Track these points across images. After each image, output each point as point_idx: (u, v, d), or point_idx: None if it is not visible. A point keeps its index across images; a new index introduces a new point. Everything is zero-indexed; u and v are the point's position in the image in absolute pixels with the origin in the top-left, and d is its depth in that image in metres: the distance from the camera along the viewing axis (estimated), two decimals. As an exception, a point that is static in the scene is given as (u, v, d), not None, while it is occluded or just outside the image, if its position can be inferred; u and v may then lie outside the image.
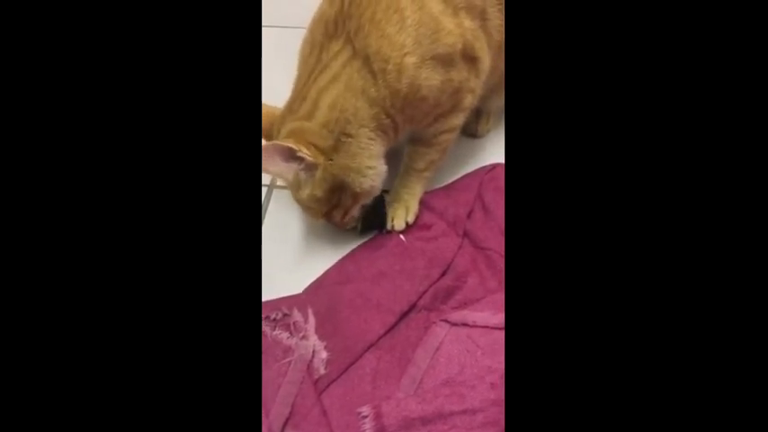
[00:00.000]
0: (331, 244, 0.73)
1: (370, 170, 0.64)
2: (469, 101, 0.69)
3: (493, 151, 0.83)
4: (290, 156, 0.60)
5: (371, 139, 0.63)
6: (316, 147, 0.60)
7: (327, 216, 0.67)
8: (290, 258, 0.73)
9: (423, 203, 0.75)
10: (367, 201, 0.68)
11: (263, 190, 0.81)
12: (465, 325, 0.62)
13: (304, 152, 0.59)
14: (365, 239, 0.74)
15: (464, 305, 0.65)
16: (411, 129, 0.68)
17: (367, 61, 0.59)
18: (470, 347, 0.60)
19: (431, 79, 0.61)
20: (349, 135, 0.61)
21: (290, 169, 0.62)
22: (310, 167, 0.61)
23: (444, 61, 0.62)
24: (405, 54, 0.59)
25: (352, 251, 0.72)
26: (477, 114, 0.84)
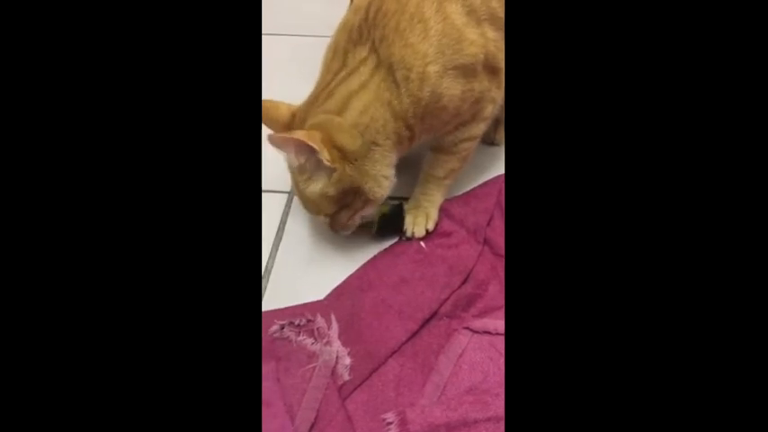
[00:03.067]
0: (351, 252, 0.74)
1: (385, 180, 0.65)
2: (490, 110, 0.70)
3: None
4: (310, 153, 0.60)
5: (391, 150, 0.64)
6: (341, 148, 0.61)
7: (333, 215, 0.67)
8: (312, 266, 0.74)
9: (443, 211, 0.76)
10: (371, 210, 0.69)
11: (284, 197, 0.82)
12: (487, 333, 0.62)
13: (325, 156, 0.59)
14: (384, 246, 0.74)
15: (485, 313, 0.65)
16: (428, 138, 0.69)
17: (390, 70, 0.60)
18: (493, 355, 0.60)
19: (452, 89, 0.62)
20: (376, 144, 0.62)
21: (304, 162, 0.62)
22: (327, 168, 0.62)
23: (466, 71, 0.63)
24: (427, 63, 0.60)
25: (374, 258, 0.73)
26: (496, 122, 0.85)
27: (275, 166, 0.83)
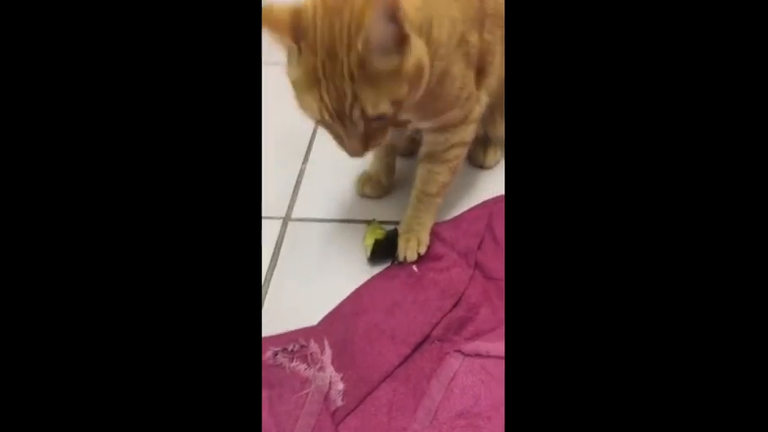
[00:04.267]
0: (345, 276, 0.75)
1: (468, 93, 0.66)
2: (478, 112, 0.72)
3: (501, 182, 0.85)
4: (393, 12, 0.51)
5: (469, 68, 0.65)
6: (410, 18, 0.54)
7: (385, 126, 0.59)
8: (306, 290, 0.75)
9: (434, 234, 0.77)
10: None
11: (279, 223, 0.83)
12: (478, 355, 0.63)
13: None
14: (377, 270, 0.75)
15: (477, 336, 0.66)
16: (422, 125, 0.69)
17: None
18: (485, 378, 0.61)
19: (459, 62, 0.64)
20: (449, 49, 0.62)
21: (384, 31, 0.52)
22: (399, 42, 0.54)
23: (467, 55, 0.65)
24: (455, 20, 0.62)
25: (367, 281, 0.74)
26: (485, 145, 0.86)
27: (268, 192, 0.85)
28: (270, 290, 0.75)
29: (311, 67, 0.54)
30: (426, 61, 0.57)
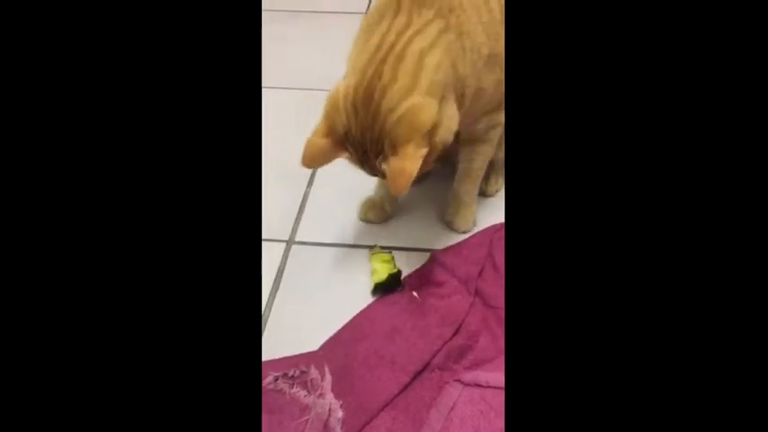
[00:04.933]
0: (347, 301, 0.75)
1: (451, 134, 0.66)
2: None
3: (501, 210, 0.86)
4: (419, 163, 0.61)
5: (454, 103, 0.67)
6: (428, 129, 0.62)
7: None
8: (308, 313, 0.75)
9: (435, 261, 0.78)
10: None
11: (282, 246, 0.84)
12: (478, 385, 0.63)
13: (422, 152, 0.61)
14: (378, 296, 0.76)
15: (476, 365, 0.67)
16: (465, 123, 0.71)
17: (460, 38, 0.64)
18: (484, 408, 0.61)
19: (491, 73, 0.68)
20: (445, 97, 0.64)
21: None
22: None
23: (500, 62, 0.68)
24: (481, 44, 0.66)
25: (368, 307, 0.75)
26: (488, 172, 0.88)
27: (272, 215, 0.86)
28: (272, 312, 0.76)
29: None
30: (450, 127, 0.65)
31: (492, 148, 0.79)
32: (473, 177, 0.82)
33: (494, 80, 0.69)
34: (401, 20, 0.63)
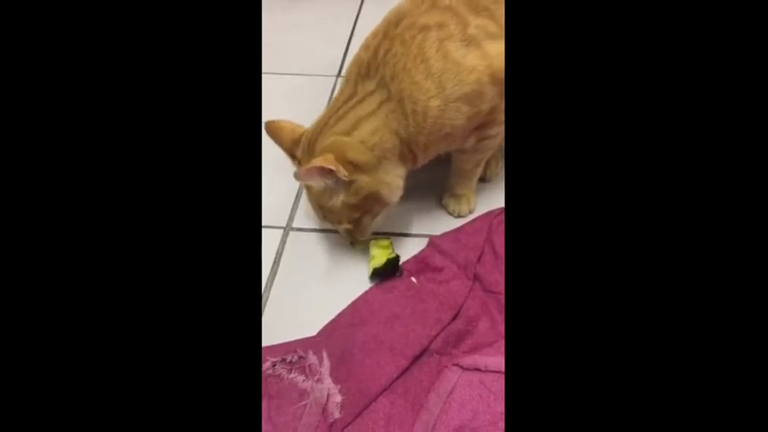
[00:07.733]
0: (345, 287, 0.75)
1: (399, 182, 0.73)
2: (503, 117, 0.74)
3: (502, 195, 0.86)
4: (328, 173, 0.67)
5: (399, 162, 0.72)
6: (354, 162, 0.67)
7: (356, 221, 0.74)
8: (306, 299, 0.75)
9: (433, 246, 0.78)
10: (383, 210, 0.75)
11: (280, 232, 0.84)
12: (477, 370, 0.63)
13: (342, 172, 0.66)
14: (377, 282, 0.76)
15: (475, 349, 0.66)
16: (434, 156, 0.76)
17: (401, 103, 0.68)
18: (483, 393, 0.61)
19: (455, 119, 0.69)
20: (385, 157, 0.70)
21: (325, 182, 0.69)
22: (345, 183, 0.68)
23: (471, 99, 0.69)
24: (429, 98, 0.67)
25: (366, 292, 0.74)
26: (487, 159, 0.87)
27: (270, 202, 0.86)
28: (270, 298, 0.75)
29: None
30: (375, 188, 0.70)
31: (483, 154, 0.79)
32: (466, 175, 0.82)
33: (464, 120, 0.70)
34: (347, 91, 0.71)
